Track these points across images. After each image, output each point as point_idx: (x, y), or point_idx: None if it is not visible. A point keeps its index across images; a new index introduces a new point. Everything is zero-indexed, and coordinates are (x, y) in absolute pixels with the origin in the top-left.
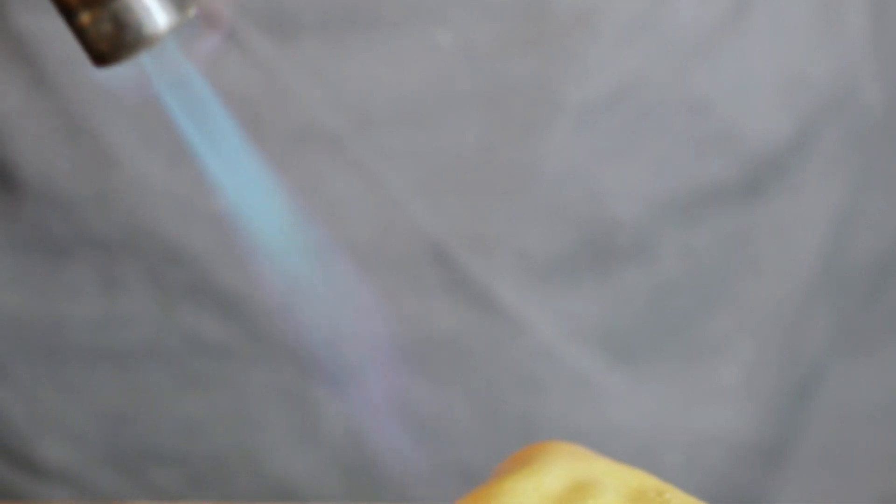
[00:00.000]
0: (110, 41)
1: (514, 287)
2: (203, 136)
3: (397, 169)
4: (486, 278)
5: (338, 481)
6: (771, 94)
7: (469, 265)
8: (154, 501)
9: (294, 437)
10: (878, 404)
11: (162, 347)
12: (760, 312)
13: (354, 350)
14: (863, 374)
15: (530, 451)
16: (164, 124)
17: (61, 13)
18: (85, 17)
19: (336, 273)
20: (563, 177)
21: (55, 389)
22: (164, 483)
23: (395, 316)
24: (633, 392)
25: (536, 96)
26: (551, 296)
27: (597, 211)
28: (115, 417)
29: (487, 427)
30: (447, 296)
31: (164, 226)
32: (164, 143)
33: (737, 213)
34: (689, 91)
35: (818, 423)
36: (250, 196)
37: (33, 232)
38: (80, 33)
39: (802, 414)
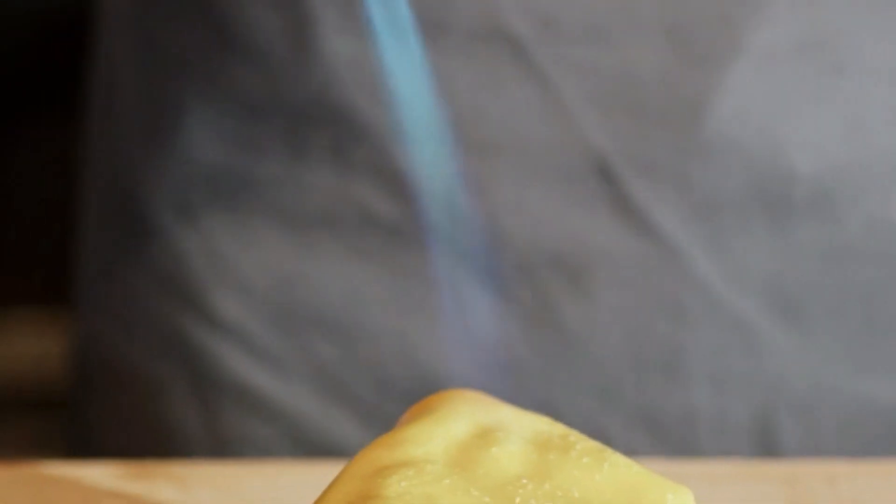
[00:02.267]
0: None
1: (676, 217)
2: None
3: (575, 82)
4: (648, 203)
5: (481, 382)
6: None
7: (633, 187)
8: None
9: (446, 329)
10: None
11: (335, 217)
12: None
13: (512, 254)
14: None
15: (435, 398)
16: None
17: None
18: None
19: (503, 175)
20: (737, 118)
21: (235, 243)
22: (323, 351)
23: (555, 226)
24: (792, 347)
25: (718, 33)
26: (715, 235)
27: (772, 159)
28: (286, 279)
29: (632, 349)
30: (609, 214)
31: (353, 101)
32: (361, 20)
33: None
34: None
35: None
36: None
37: (234, 89)
38: None
39: None
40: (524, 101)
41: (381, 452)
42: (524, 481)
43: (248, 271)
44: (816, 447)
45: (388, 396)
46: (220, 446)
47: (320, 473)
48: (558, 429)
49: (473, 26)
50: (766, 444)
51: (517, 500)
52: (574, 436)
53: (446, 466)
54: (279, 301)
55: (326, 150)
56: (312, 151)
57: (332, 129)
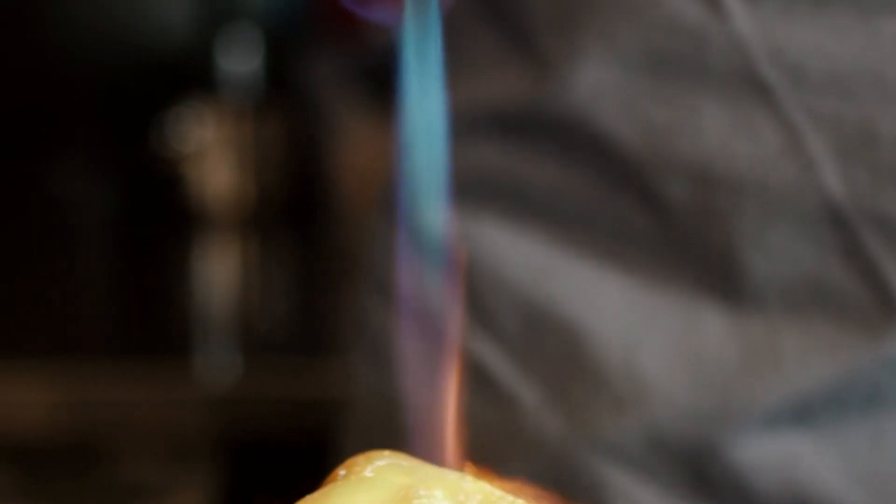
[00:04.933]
0: None
1: None
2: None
3: (818, 132)
4: (878, 255)
5: (690, 399)
6: None
7: (865, 237)
8: None
9: (673, 349)
10: None
11: (593, 223)
12: None
13: (746, 283)
14: None
15: (358, 460)
16: None
17: None
18: None
19: (744, 210)
20: None
21: (499, 235)
22: (553, 349)
23: (788, 262)
24: None
25: None
26: None
27: None
28: (538, 275)
29: (835, 381)
30: (840, 259)
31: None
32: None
33: None
34: None
35: None
36: None
37: (506, 95)
38: None
39: None
40: (769, 144)
41: None
42: None
43: (506, 260)
44: None
45: (602, 404)
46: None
47: None
48: (483, 487)
49: (728, 71)
50: None
51: None
52: (497, 495)
53: None
54: (527, 295)
55: (589, 164)
56: (576, 164)
57: (595, 147)
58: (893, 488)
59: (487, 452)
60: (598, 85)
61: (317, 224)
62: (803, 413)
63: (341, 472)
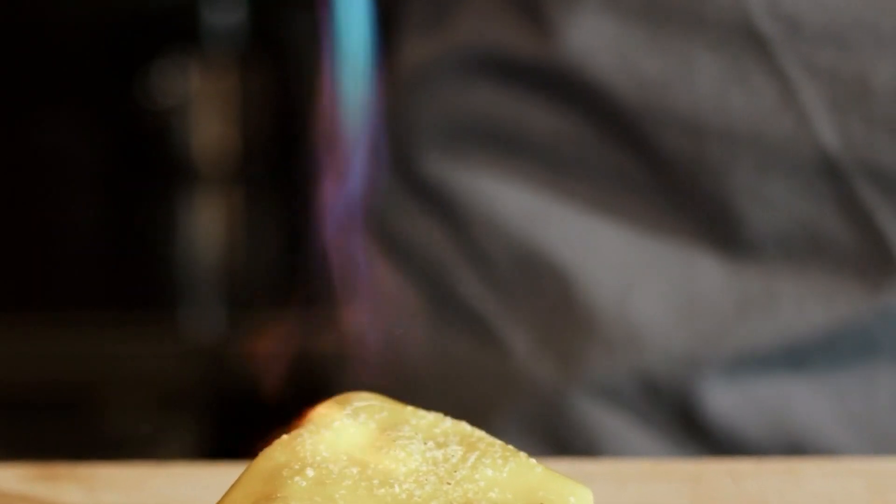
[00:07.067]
0: None
1: None
2: None
3: (813, 84)
4: (873, 205)
5: (686, 346)
6: None
7: (860, 188)
8: None
9: (666, 293)
10: None
11: (587, 168)
12: None
13: (744, 233)
14: None
15: (337, 400)
16: None
17: None
18: None
19: (739, 161)
20: None
21: (493, 179)
22: (546, 291)
23: (783, 212)
24: None
25: None
26: None
27: None
28: (530, 219)
29: (830, 325)
30: (835, 208)
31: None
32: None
33: None
34: None
35: None
36: None
37: (503, 47)
38: None
39: None
40: (764, 96)
41: (283, 453)
42: (426, 480)
43: (501, 206)
44: None
45: (593, 348)
46: (443, 362)
47: (224, 474)
48: (461, 429)
49: (723, 22)
50: None
51: (417, 499)
52: (477, 436)
53: (348, 467)
54: (520, 240)
55: (585, 114)
56: (572, 113)
57: (590, 97)
58: (885, 431)
59: (479, 395)
60: (593, 36)
61: (302, 176)
62: (797, 357)
63: (321, 411)
